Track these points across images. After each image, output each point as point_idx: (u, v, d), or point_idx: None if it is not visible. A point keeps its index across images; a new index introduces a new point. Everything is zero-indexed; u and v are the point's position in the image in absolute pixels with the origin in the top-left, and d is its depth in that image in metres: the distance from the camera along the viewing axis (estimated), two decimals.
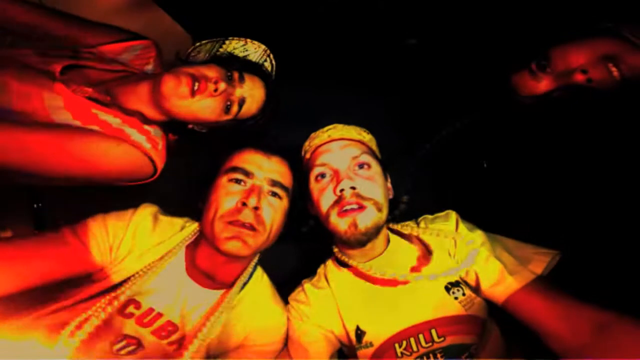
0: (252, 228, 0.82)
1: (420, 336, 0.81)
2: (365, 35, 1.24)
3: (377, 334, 0.84)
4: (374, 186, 0.85)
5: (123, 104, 0.87)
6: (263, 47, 1.01)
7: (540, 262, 0.81)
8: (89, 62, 0.91)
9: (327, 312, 0.90)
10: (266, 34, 1.07)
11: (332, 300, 0.91)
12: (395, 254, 0.92)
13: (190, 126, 0.94)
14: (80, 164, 0.82)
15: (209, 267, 0.88)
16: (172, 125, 0.94)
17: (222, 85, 0.85)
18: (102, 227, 0.85)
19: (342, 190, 0.83)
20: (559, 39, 0.88)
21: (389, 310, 0.86)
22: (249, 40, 0.98)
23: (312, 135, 0.97)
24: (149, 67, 1.01)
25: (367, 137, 0.96)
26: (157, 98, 0.86)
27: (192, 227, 0.92)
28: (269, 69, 1.03)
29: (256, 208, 0.83)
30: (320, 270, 0.99)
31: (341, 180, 0.83)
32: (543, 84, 0.90)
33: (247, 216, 0.82)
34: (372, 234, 0.84)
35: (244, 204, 0.83)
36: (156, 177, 0.92)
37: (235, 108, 0.91)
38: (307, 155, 0.95)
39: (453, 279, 0.86)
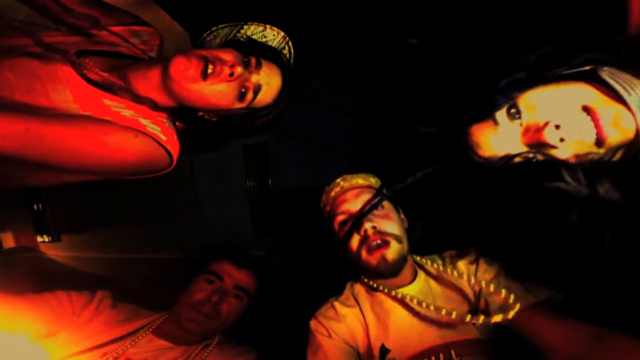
0: (208, 317, 1.10)
1: (441, 355, 0.91)
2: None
3: (400, 352, 0.94)
4: (391, 222, 0.99)
5: (134, 90, 0.83)
6: (282, 34, 0.96)
7: (544, 292, 0.89)
8: (102, 46, 0.87)
9: (355, 330, 1.00)
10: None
11: (361, 319, 1.01)
12: (424, 285, 1.02)
13: (200, 113, 0.89)
14: (94, 154, 0.77)
15: (174, 333, 1.13)
16: (182, 112, 0.89)
17: (238, 70, 0.80)
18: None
19: (365, 231, 0.96)
20: (530, 82, 0.69)
21: (414, 332, 0.95)
22: (267, 26, 0.94)
23: (327, 189, 1.11)
24: (152, 55, 0.98)
25: (373, 180, 1.10)
26: (167, 81, 0.81)
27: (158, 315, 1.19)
28: (287, 56, 0.98)
29: (216, 303, 1.11)
30: (348, 290, 1.09)
31: (363, 223, 0.96)
32: (507, 141, 0.70)
33: (207, 307, 1.10)
34: (400, 263, 0.97)
35: (208, 299, 1.11)
36: (172, 168, 0.88)
37: (250, 95, 0.85)
38: (327, 208, 1.09)
39: (472, 308, 0.96)
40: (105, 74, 0.80)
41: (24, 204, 1.90)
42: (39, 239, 1.93)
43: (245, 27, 0.92)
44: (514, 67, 0.70)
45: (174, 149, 0.86)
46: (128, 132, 0.80)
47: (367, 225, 0.96)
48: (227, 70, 0.80)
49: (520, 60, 0.71)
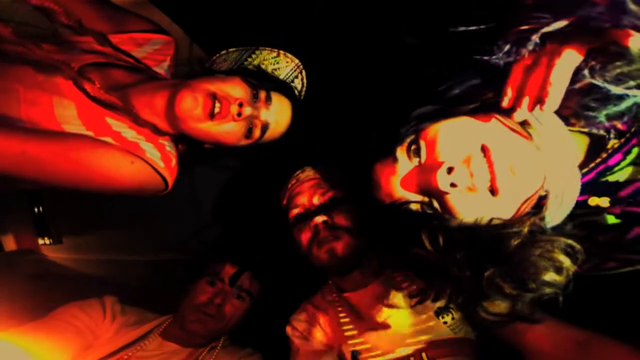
0: (212, 317, 1.10)
1: (412, 358, 0.86)
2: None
3: (371, 355, 0.89)
4: (346, 216, 0.92)
5: (136, 113, 0.81)
6: (296, 61, 0.91)
7: None
8: (109, 58, 0.85)
9: (328, 333, 0.96)
10: (264, 34, 0.99)
11: (331, 322, 0.96)
12: (385, 285, 0.95)
13: (207, 146, 0.88)
14: (90, 178, 0.77)
15: (180, 335, 1.13)
16: (185, 139, 0.87)
17: (247, 110, 0.78)
18: None
19: (316, 226, 0.91)
20: (441, 113, 0.59)
21: (383, 333, 0.90)
22: (281, 52, 0.89)
23: (287, 181, 1.05)
24: (165, 64, 0.95)
25: None
26: (171, 116, 0.79)
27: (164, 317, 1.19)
28: (299, 87, 0.94)
29: (219, 305, 1.10)
30: (320, 292, 1.05)
31: (314, 216, 0.91)
32: (403, 182, 0.60)
33: (210, 309, 1.10)
34: (352, 260, 0.91)
35: (211, 301, 1.11)
36: (166, 192, 0.87)
37: (257, 132, 0.84)
38: (285, 201, 1.03)
39: (442, 304, 0.88)
40: (107, 95, 0.78)
41: (25, 206, 1.87)
42: (40, 241, 1.91)
43: (257, 52, 0.88)
44: (433, 99, 0.61)
45: (171, 175, 0.84)
46: (126, 157, 0.78)
47: (318, 219, 0.90)
48: (235, 110, 0.77)
49: (442, 92, 0.60)
